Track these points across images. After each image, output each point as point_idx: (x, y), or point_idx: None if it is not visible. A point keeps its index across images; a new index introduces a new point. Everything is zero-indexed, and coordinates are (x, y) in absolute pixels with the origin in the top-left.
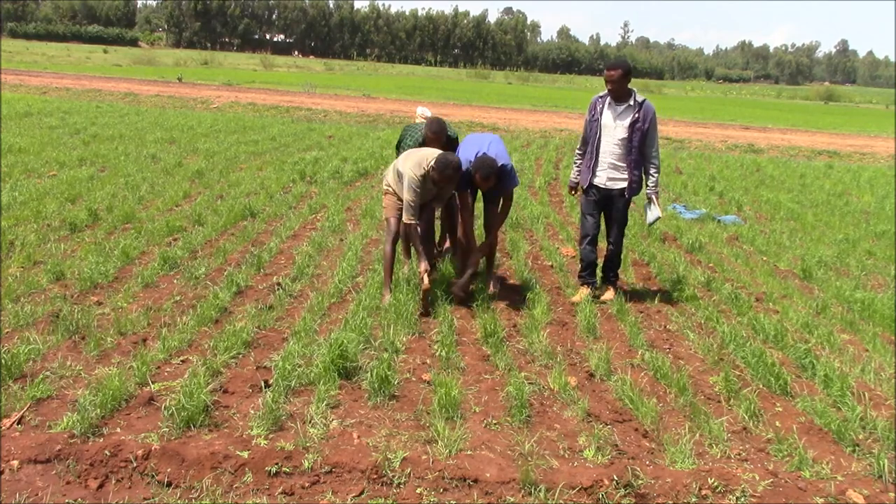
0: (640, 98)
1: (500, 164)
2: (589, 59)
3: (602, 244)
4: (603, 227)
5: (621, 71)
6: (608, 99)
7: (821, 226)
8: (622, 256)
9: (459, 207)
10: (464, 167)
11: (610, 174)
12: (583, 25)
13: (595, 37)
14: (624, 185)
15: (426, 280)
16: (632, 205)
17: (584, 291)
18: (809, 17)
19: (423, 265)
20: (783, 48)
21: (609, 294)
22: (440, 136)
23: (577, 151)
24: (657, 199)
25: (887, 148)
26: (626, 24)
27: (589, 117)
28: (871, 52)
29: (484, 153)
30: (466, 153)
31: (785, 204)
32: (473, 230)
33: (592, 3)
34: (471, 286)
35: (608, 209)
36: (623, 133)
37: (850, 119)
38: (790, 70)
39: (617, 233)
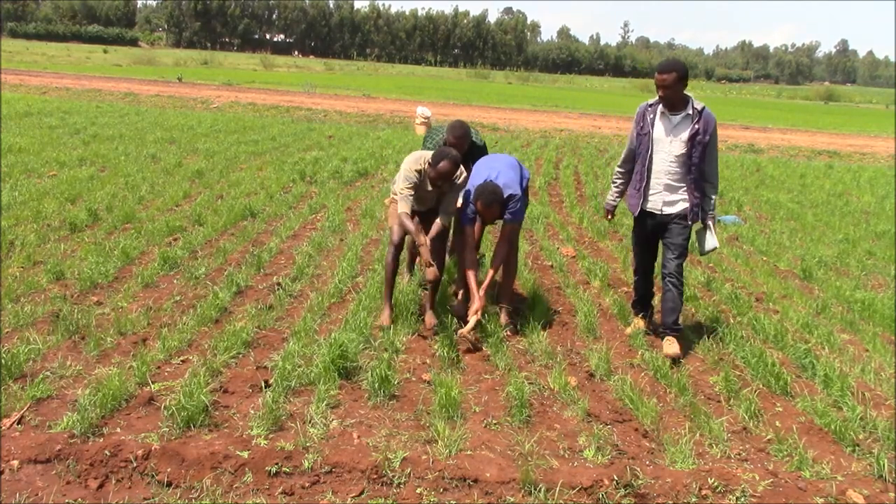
0: (698, 105)
1: (506, 195)
2: (589, 59)
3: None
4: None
5: (676, 74)
6: (659, 108)
7: (821, 226)
8: (682, 296)
9: (461, 244)
10: (471, 196)
11: (665, 197)
12: (583, 25)
13: (595, 37)
14: (682, 207)
15: (425, 251)
16: None
17: (639, 324)
18: (809, 17)
19: (421, 237)
20: (783, 48)
21: (673, 348)
22: (462, 141)
23: (619, 170)
24: (714, 224)
25: (887, 148)
26: (626, 24)
27: (636, 130)
28: (871, 52)
29: (490, 180)
30: (476, 179)
31: (785, 204)
32: (476, 269)
33: (592, 3)
34: (477, 330)
35: (664, 236)
36: (680, 148)
37: (850, 119)
38: (790, 70)
39: (675, 265)
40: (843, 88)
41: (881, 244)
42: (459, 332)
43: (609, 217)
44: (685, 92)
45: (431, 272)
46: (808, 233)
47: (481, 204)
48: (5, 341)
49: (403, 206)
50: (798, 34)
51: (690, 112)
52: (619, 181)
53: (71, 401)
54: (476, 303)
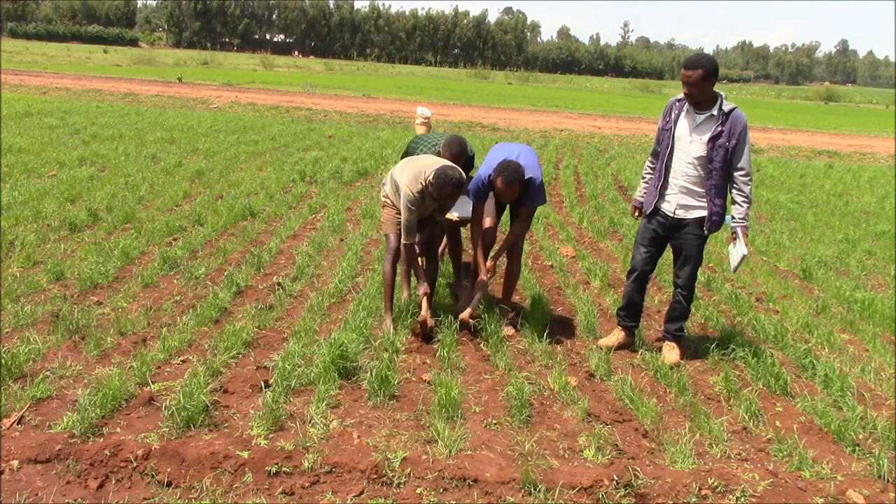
0: (727, 107)
1: (527, 177)
2: (589, 59)
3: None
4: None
5: (702, 71)
6: (686, 104)
7: (821, 226)
8: (691, 305)
9: (472, 220)
10: (486, 174)
11: (682, 200)
12: (583, 25)
13: (595, 37)
14: (700, 214)
15: (425, 307)
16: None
17: (618, 335)
18: (809, 17)
19: (423, 288)
20: (783, 48)
21: (673, 354)
22: (459, 159)
23: (648, 165)
24: (744, 234)
25: (887, 148)
26: (626, 24)
27: (661, 124)
28: (871, 52)
29: (512, 159)
30: (492, 160)
31: (785, 204)
32: (484, 247)
33: (592, 3)
34: (478, 311)
35: (677, 243)
36: (700, 150)
37: (850, 119)
38: (790, 70)
39: (687, 275)
40: (843, 88)
41: (881, 244)
42: (460, 315)
43: (636, 215)
44: (714, 90)
45: (425, 320)
46: (808, 233)
47: (502, 181)
48: (5, 341)
49: (407, 237)
50: (798, 34)
51: (716, 113)
52: (647, 177)
53: (71, 401)
54: (482, 275)
